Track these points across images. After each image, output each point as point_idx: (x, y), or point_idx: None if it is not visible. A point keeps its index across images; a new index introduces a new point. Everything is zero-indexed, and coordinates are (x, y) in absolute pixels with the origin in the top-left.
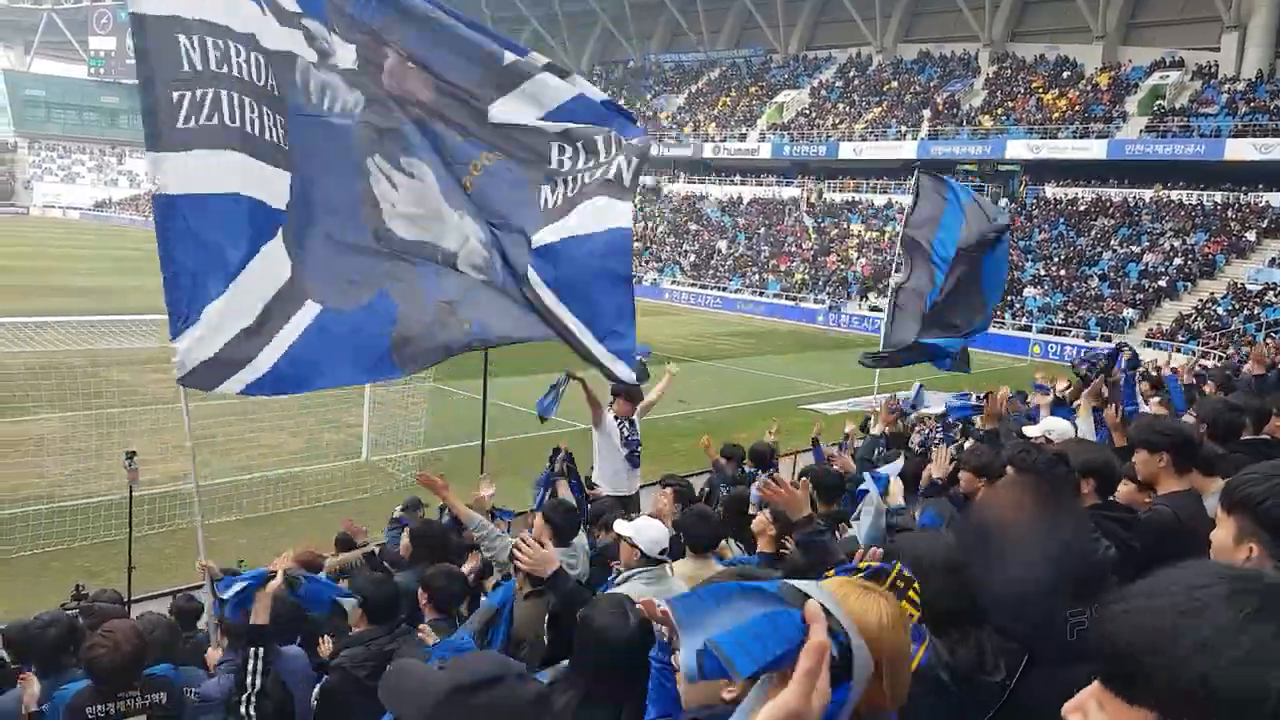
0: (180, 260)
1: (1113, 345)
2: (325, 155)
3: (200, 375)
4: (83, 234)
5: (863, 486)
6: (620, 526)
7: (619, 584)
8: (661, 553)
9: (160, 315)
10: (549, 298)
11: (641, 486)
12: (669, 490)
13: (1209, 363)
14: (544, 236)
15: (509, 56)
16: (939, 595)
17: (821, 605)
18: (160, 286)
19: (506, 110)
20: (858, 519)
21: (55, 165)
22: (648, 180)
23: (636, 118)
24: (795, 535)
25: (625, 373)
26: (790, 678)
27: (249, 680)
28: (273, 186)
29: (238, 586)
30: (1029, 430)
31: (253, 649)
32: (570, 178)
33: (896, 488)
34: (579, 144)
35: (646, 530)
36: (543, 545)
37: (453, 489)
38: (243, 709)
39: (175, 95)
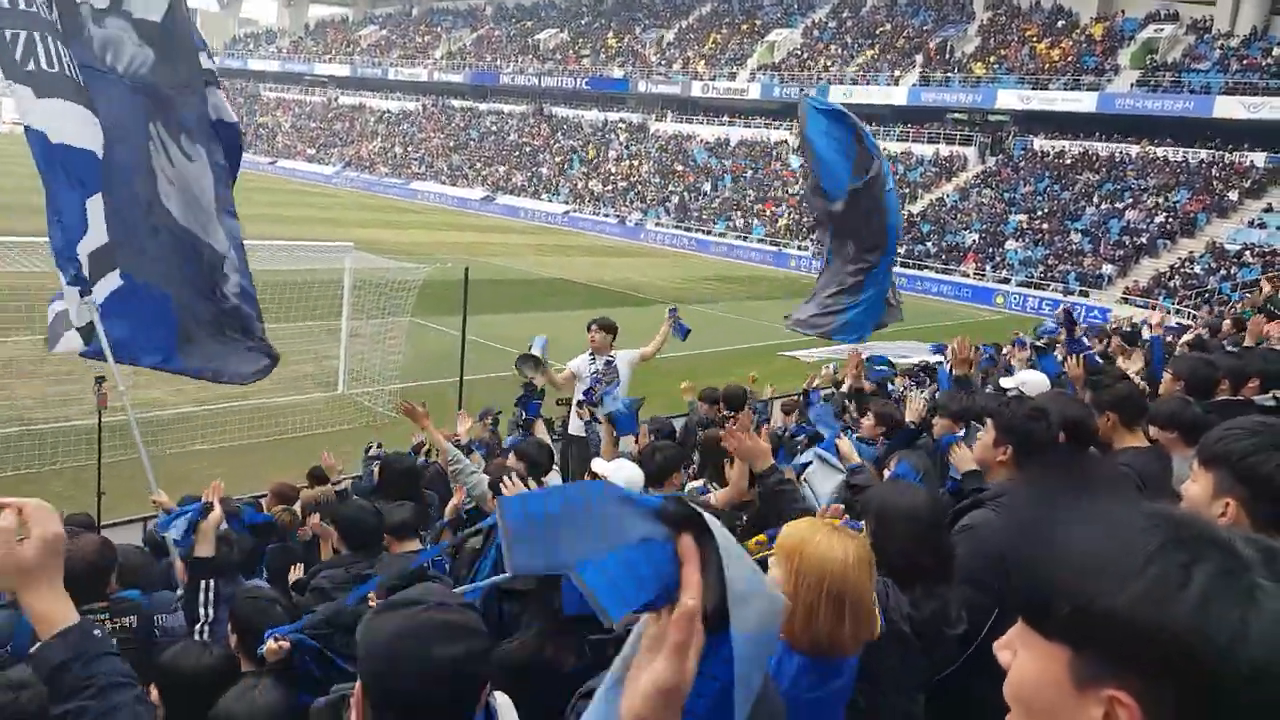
0: (57, 204)
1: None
2: (117, 111)
3: (58, 340)
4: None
5: (802, 459)
6: (598, 465)
7: None
8: None
9: None
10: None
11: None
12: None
13: (1182, 320)
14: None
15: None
16: (905, 549)
17: (697, 537)
18: None
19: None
20: (806, 481)
21: None
22: (634, 118)
23: None
24: (758, 487)
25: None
26: (663, 623)
27: (201, 611)
28: (88, 131)
29: (180, 524)
30: (1005, 382)
31: (202, 582)
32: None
33: (847, 447)
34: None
35: (621, 471)
36: (524, 482)
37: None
38: (197, 636)
39: (8, 34)
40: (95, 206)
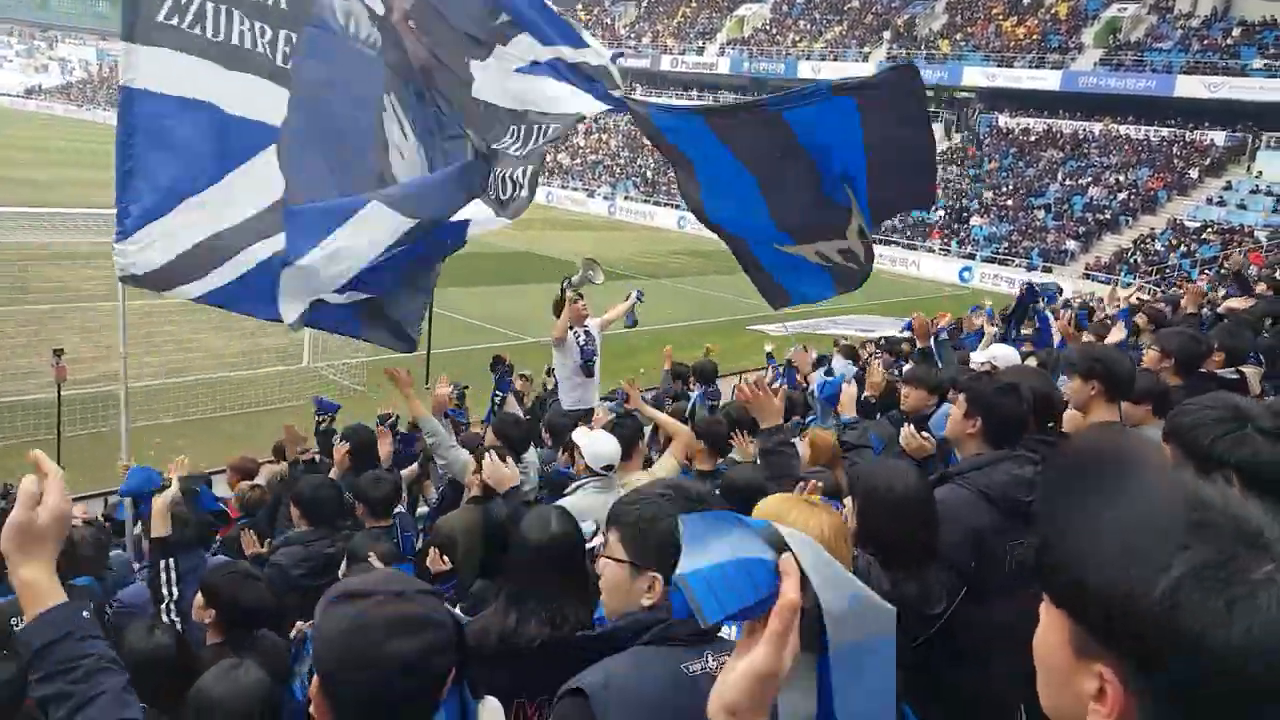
0: (139, 158)
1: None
2: (344, 79)
3: (152, 279)
4: (10, 124)
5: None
6: (579, 435)
7: (569, 493)
8: (606, 467)
9: (97, 210)
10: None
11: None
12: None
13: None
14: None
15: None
16: (890, 530)
17: (798, 560)
18: (94, 181)
19: (486, 81)
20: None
21: None
22: None
23: (612, 89)
24: (760, 442)
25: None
26: (760, 630)
27: (164, 590)
28: (260, 101)
29: (127, 506)
30: (975, 356)
31: (162, 562)
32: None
33: (847, 397)
34: (535, 127)
35: (594, 444)
36: (504, 462)
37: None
38: (164, 616)
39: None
40: (255, 167)
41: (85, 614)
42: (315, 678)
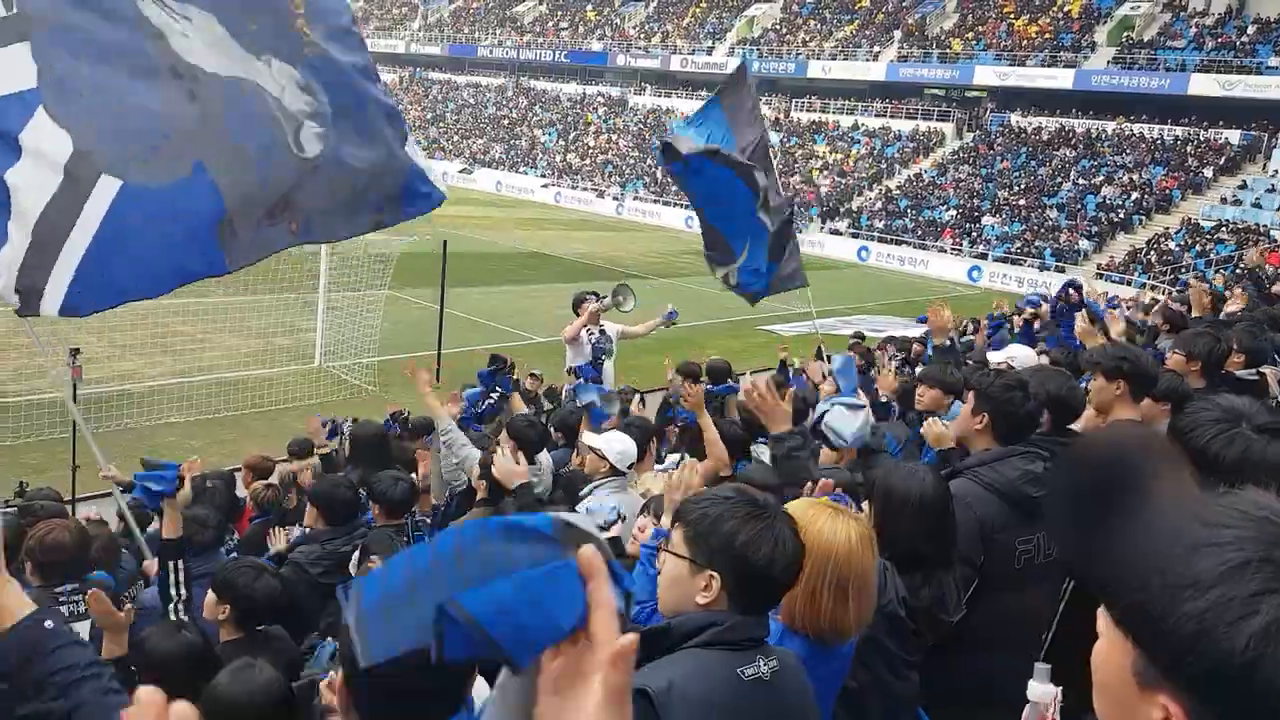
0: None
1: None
2: None
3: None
4: None
5: (821, 408)
6: (589, 439)
7: (585, 494)
8: (629, 466)
9: None
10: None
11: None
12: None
13: (1156, 295)
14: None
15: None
16: (909, 535)
17: (596, 545)
18: None
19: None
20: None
21: None
22: (614, 92)
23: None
24: (771, 448)
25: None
26: (566, 651)
27: (172, 591)
28: (10, 69)
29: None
30: (992, 356)
31: (170, 563)
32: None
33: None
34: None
35: (614, 443)
36: (516, 460)
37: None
38: (173, 616)
39: None
40: (31, 138)
41: (49, 624)
42: (340, 669)
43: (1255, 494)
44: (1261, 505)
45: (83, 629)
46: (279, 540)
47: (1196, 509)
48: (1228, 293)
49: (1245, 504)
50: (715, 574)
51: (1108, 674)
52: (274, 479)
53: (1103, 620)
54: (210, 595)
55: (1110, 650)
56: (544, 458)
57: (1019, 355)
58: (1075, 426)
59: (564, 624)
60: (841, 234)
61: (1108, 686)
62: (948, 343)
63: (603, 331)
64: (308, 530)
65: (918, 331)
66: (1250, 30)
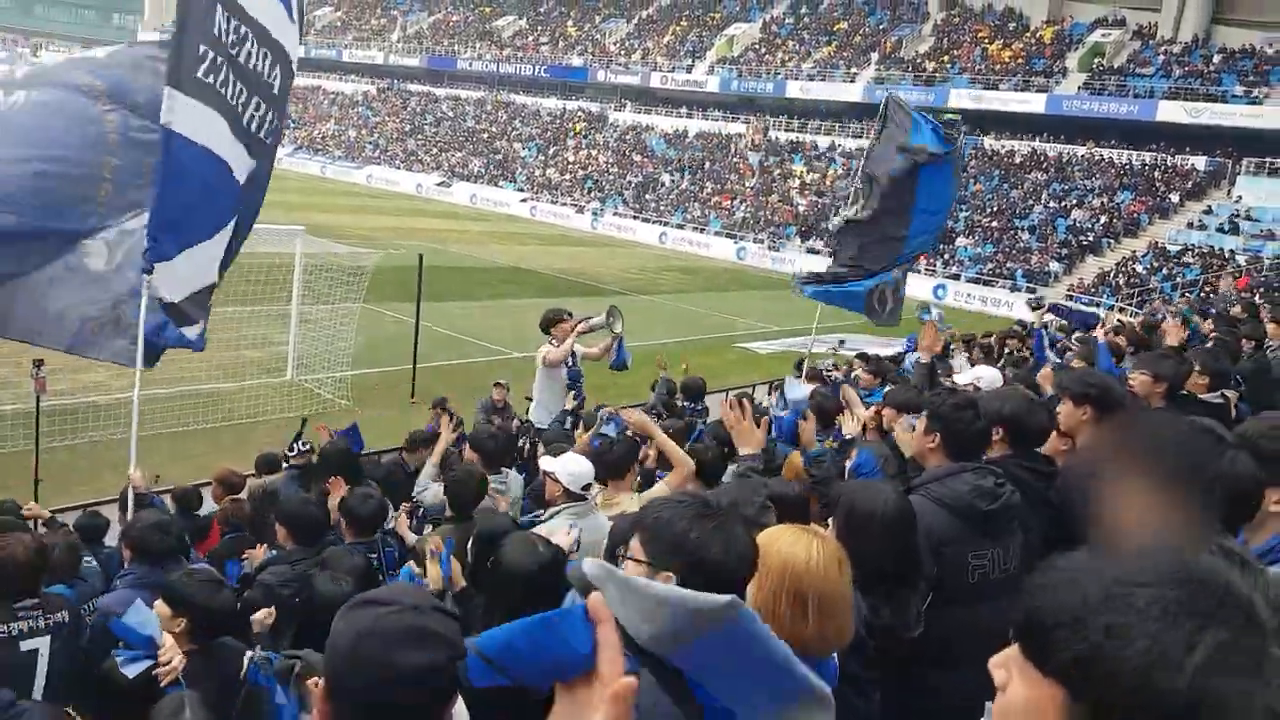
0: (168, 195)
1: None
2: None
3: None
4: None
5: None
6: (544, 462)
7: (545, 519)
8: (585, 488)
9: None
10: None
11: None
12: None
13: (1123, 318)
14: None
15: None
16: (873, 553)
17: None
18: None
19: None
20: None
21: None
22: (593, 108)
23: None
24: (735, 467)
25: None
26: (579, 688)
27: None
28: (239, 164)
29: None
30: (958, 379)
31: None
32: None
33: (807, 433)
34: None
35: (569, 465)
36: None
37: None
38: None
39: (201, 49)
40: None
41: None
42: (322, 680)
43: (1166, 547)
44: (1177, 555)
45: (41, 645)
46: (258, 557)
47: (1125, 560)
48: (1165, 324)
49: (1162, 554)
50: (670, 574)
51: None
52: (243, 494)
53: (1018, 665)
54: (163, 607)
55: (1028, 696)
56: (513, 474)
57: (986, 376)
58: (1045, 451)
59: (580, 650)
60: (819, 253)
61: None
62: (928, 361)
63: (573, 353)
64: (274, 553)
65: (892, 350)
66: (1216, 59)
